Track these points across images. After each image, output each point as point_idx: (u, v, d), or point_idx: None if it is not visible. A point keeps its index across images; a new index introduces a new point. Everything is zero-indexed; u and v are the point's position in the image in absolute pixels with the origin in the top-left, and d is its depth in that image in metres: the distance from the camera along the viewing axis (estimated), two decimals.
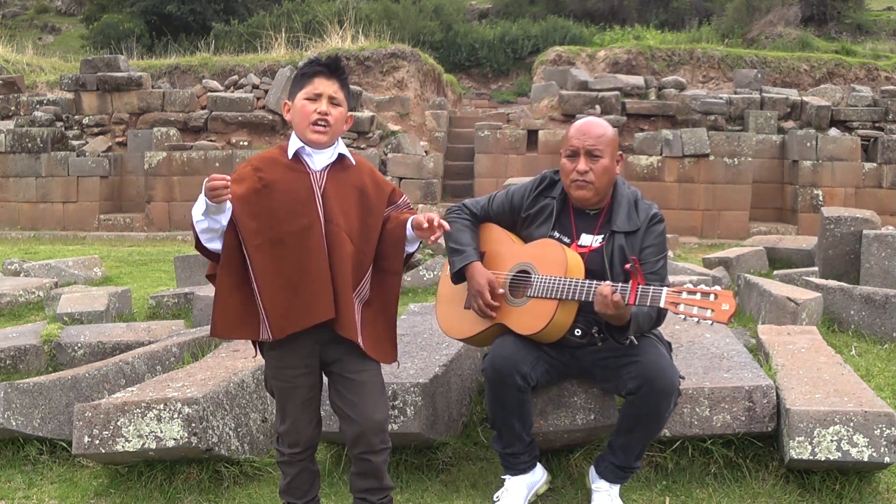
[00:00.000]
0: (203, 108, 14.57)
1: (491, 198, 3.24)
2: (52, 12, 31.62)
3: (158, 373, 3.94)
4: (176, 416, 3.04)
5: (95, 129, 14.58)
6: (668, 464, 3.25)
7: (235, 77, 15.30)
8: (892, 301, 5.15)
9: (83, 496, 3.24)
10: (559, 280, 2.87)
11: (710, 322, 2.60)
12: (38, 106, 15.08)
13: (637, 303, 2.73)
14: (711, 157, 13.20)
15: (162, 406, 3.06)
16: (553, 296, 2.87)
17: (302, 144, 2.59)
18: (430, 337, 3.70)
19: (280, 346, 2.58)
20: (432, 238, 2.57)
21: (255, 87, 14.82)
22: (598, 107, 14.05)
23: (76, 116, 14.74)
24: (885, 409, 2.97)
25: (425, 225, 2.55)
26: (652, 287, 2.72)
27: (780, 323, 4.87)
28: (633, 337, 2.95)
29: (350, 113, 2.69)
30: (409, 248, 2.67)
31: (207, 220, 2.50)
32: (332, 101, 2.57)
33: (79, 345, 4.71)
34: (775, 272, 6.86)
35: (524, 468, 3.07)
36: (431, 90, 16.65)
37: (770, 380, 3.26)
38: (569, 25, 21.49)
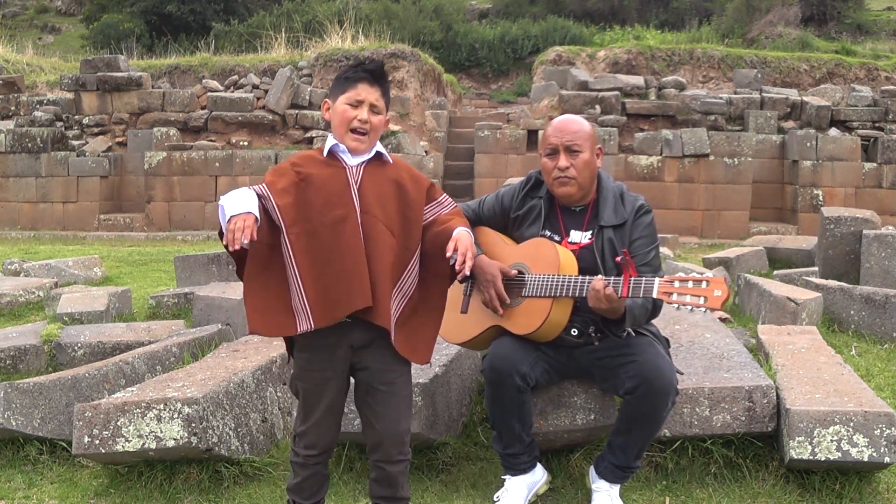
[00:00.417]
0: (203, 108, 14.57)
1: (481, 201, 3.26)
2: (52, 12, 31.62)
3: (158, 373, 3.94)
4: (176, 416, 3.04)
5: (95, 129, 14.58)
6: (668, 464, 3.25)
7: (235, 77, 15.30)
8: (892, 301, 5.15)
9: (83, 496, 3.24)
10: (552, 278, 2.88)
11: (703, 309, 2.59)
12: (38, 106, 15.08)
13: (630, 295, 2.73)
14: (711, 157, 13.20)
15: (162, 406, 3.06)
16: (547, 294, 2.88)
17: (337, 143, 2.62)
18: None
19: (311, 347, 2.57)
20: (458, 276, 2.57)
21: (255, 87, 14.83)
22: (598, 107, 14.05)
23: (76, 116, 14.74)
24: (885, 409, 2.97)
25: (455, 256, 2.54)
26: (644, 278, 2.72)
27: (780, 323, 4.87)
28: (630, 329, 2.96)
29: (386, 117, 2.70)
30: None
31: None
32: (373, 108, 2.60)
33: (79, 345, 4.71)
34: (775, 272, 6.86)
35: (524, 468, 3.07)
36: (431, 90, 16.64)
37: (770, 380, 3.26)
38: (569, 25, 21.49)
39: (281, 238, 2.51)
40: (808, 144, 13.29)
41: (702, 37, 18.57)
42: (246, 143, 14.10)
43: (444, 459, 3.35)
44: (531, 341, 2.98)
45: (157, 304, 6.04)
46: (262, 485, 3.24)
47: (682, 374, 3.18)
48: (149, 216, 13.62)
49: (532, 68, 18.33)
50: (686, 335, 3.81)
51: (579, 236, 3.04)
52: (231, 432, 3.23)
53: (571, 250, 2.99)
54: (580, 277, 2.85)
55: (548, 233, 3.06)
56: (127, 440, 3.05)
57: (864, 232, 6.29)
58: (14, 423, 3.49)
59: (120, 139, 14.52)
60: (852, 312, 5.33)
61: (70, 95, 14.93)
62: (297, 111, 14.23)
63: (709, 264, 7.57)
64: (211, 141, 14.15)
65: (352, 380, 2.66)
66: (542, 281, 2.89)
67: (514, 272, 2.98)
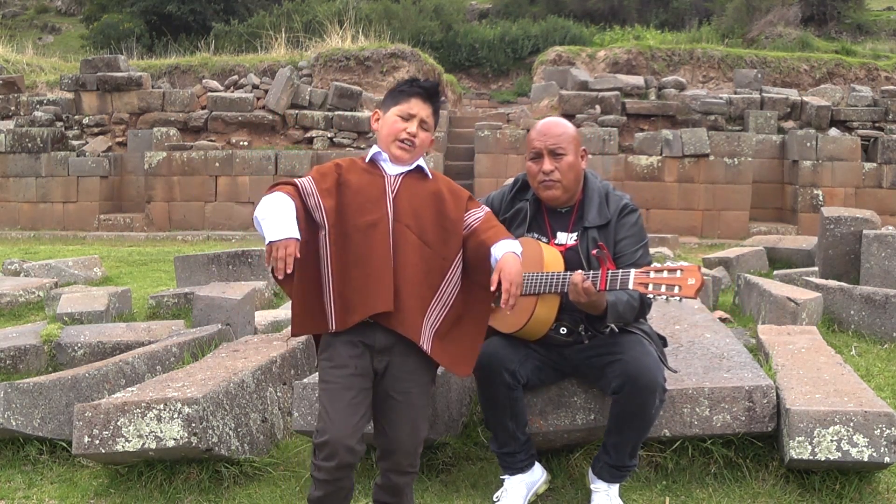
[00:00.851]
0: (203, 108, 14.57)
1: None
2: (52, 12, 31.61)
3: (158, 373, 3.94)
4: (176, 416, 3.04)
5: (95, 129, 14.59)
6: (668, 464, 3.25)
7: (235, 77, 15.30)
8: (892, 301, 5.14)
9: (83, 496, 3.24)
10: (536, 275, 2.89)
11: (678, 298, 2.59)
12: (38, 106, 15.08)
13: (608, 287, 2.74)
14: (711, 157, 13.20)
15: (162, 406, 3.06)
16: (531, 291, 2.90)
17: (379, 150, 2.67)
18: None
19: (332, 347, 2.57)
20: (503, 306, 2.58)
21: (255, 87, 14.82)
22: (598, 107, 14.05)
23: (76, 116, 14.74)
24: (885, 409, 2.97)
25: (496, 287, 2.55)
26: (621, 271, 2.73)
27: (780, 323, 4.87)
28: (613, 325, 2.96)
29: (433, 136, 2.76)
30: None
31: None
32: (423, 124, 2.66)
33: (79, 345, 4.71)
34: (775, 272, 6.86)
35: (521, 467, 3.07)
36: None
37: (770, 380, 3.26)
38: (569, 25, 21.47)
39: (321, 236, 2.55)
40: (808, 144, 13.29)
41: (702, 37, 18.56)
42: (246, 143, 14.10)
43: (444, 459, 3.35)
44: (521, 339, 2.98)
45: (157, 304, 6.05)
46: (262, 485, 3.24)
47: (675, 371, 3.18)
48: (149, 216, 13.62)
49: (532, 68, 18.33)
50: (686, 335, 3.81)
51: (565, 238, 3.06)
52: (231, 432, 3.23)
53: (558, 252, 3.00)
54: (562, 273, 2.86)
55: (534, 235, 3.09)
56: (127, 440, 3.05)
57: (864, 232, 6.29)
58: (14, 423, 3.49)
59: (120, 139, 14.52)
60: (852, 312, 5.33)
61: (70, 95, 14.93)
62: (297, 111, 14.23)
63: (709, 264, 7.58)
64: (211, 141, 14.15)
65: None
66: (527, 279, 2.91)
67: None
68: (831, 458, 2.93)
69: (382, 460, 2.64)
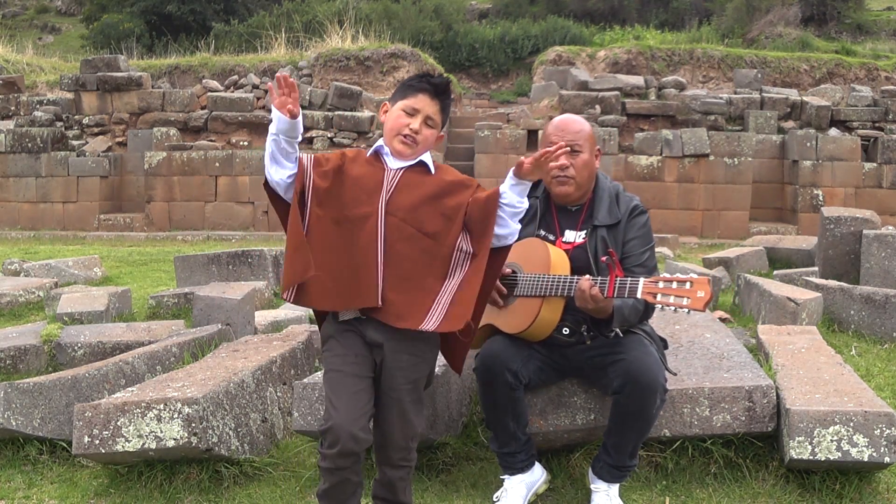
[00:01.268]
0: (203, 108, 14.57)
1: None
2: (52, 12, 31.61)
3: (158, 373, 3.94)
4: (176, 416, 3.04)
5: (95, 129, 14.59)
6: (668, 464, 3.25)
7: (235, 77, 15.30)
8: (892, 301, 5.14)
9: (83, 496, 3.24)
10: (543, 277, 2.89)
11: (686, 310, 2.60)
12: (38, 106, 15.09)
13: (616, 295, 2.75)
14: (711, 157, 13.20)
15: (162, 406, 3.06)
16: (537, 293, 2.90)
17: (383, 144, 2.66)
18: None
19: (333, 337, 2.60)
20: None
21: (255, 87, 14.83)
22: (598, 107, 14.05)
23: (76, 116, 14.74)
24: (885, 409, 2.97)
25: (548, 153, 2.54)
26: (629, 279, 2.74)
27: (780, 323, 4.86)
28: (618, 330, 2.96)
29: (440, 133, 2.72)
30: (500, 229, 2.58)
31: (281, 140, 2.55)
32: (428, 121, 2.63)
33: (79, 345, 4.71)
34: (775, 272, 6.86)
35: (521, 467, 3.07)
36: None
37: (770, 380, 3.26)
38: (569, 25, 21.46)
39: (308, 214, 2.56)
40: (808, 144, 13.29)
41: (702, 37, 18.56)
42: (246, 143, 14.10)
43: (444, 459, 3.35)
44: (524, 340, 2.98)
45: (157, 304, 6.04)
46: (262, 485, 3.24)
47: (674, 374, 3.18)
48: (149, 216, 13.62)
49: (532, 68, 18.32)
50: (686, 335, 3.81)
51: (573, 236, 3.06)
52: (231, 432, 3.23)
53: (565, 250, 3.01)
54: (569, 277, 2.87)
55: (542, 232, 3.08)
56: (127, 440, 3.05)
57: (864, 232, 6.28)
58: (14, 423, 3.49)
59: (120, 139, 14.52)
60: (852, 312, 5.33)
61: (70, 95, 14.93)
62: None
63: (709, 264, 7.57)
64: (211, 141, 14.15)
65: None
66: (533, 280, 2.91)
67: (508, 270, 2.99)
68: (831, 458, 2.93)
69: (377, 454, 2.66)
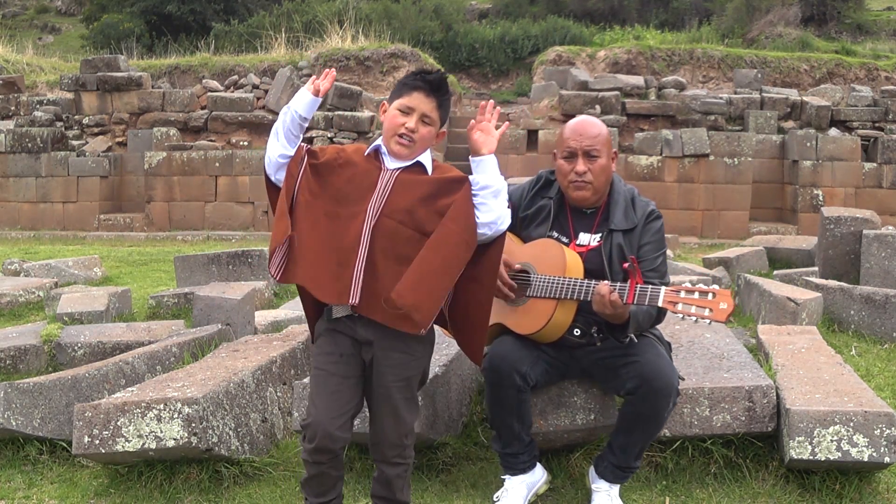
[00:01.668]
0: (203, 108, 14.57)
1: None
2: (52, 12, 31.61)
3: (158, 373, 3.94)
4: (176, 416, 3.04)
5: (95, 129, 14.59)
6: (668, 464, 3.25)
7: (235, 77, 15.29)
8: (892, 301, 5.14)
9: (83, 496, 3.24)
10: (558, 279, 2.87)
11: (708, 321, 2.60)
12: (38, 106, 15.08)
13: (636, 302, 2.73)
14: (711, 157, 13.20)
15: (162, 406, 3.06)
16: (552, 295, 2.88)
17: (380, 144, 2.66)
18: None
19: (323, 334, 2.62)
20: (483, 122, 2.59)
21: (255, 87, 14.82)
22: (598, 107, 14.05)
23: (76, 116, 14.74)
24: (885, 409, 2.97)
25: (482, 118, 2.58)
26: (650, 286, 2.72)
27: (780, 323, 4.86)
28: (633, 335, 2.95)
29: (443, 129, 2.70)
30: (486, 215, 2.55)
31: (283, 145, 2.59)
32: (424, 119, 2.60)
33: (79, 345, 4.71)
34: (775, 272, 6.86)
35: (523, 468, 3.07)
36: None
37: (770, 380, 3.26)
38: (569, 25, 21.46)
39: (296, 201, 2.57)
40: (808, 144, 13.29)
41: (702, 37, 18.55)
42: (246, 143, 14.10)
43: (444, 459, 3.35)
44: (532, 341, 2.97)
45: (157, 304, 6.04)
46: (262, 485, 3.24)
47: (682, 378, 3.18)
48: (149, 216, 13.62)
49: (532, 68, 18.32)
50: (686, 335, 3.81)
51: (588, 239, 3.03)
52: (231, 432, 3.23)
53: (579, 252, 2.98)
54: (586, 281, 2.85)
55: (556, 234, 3.05)
56: (127, 440, 3.05)
57: (864, 232, 6.29)
58: (14, 423, 3.49)
59: (120, 139, 14.52)
60: (852, 312, 5.33)
61: (70, 95, 14.93)
62: None
63: (709, 264, 7.57)
64: (211, 141, 14.15)
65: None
66: (548, 282, 2.89)
67: (517, 266, 2.98)
68: (831, 458, 2.93)
69: (373, 452, 2.68)
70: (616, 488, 3.02)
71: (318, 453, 2.54)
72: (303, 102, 2.60)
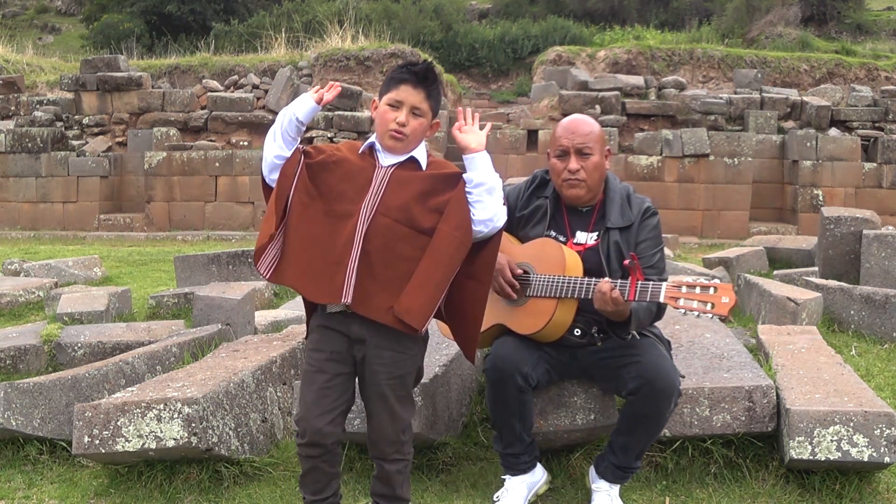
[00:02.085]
0: (203, 108, 14.57)
1: None
2: (52, 12, 31.62)
3: (158, 373, 3.94)
4: (176, 416, 3.04)
5: (95, 129, 14.59)
6: (668, 464, 3.25)
7: (235, 77, 15.30)
8: (892, 301, 5.14)
9: (83, 496, 3.24)
10: (558, 279, 2.87)
11: (710, 315, 2.59)
12: (38, 106, 15.09)
13: (637, 299, 2.73)
14: (711, 157, 13.20)
15: (162, 406, 3.06)
16: (552, 294, 2.88)
17: (375, 140, 2.65)
18: (430, 337, 3.70)
19: (315, 331, 2.63)
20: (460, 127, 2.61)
21: (255, 87, 14.82)
22: (598, 107, 14.05)
23: (76, 116, 14.74)
24: (885, 409, 2.97)
25: (463, 123, 2.60)
26: (651, 283, 2.72)
27: (780, 323, 4.87)
28: (635, 332, 2.95)
29: (437, 120, 2.70)
30: (482, 213, 2.53)
31: (280, 145, 2.59)
32: (415, 111, 2.59)
33: (79, 345, 4.71)
34: (775, 272, 6.86)
35: (524, 468, 3.07)
36: None
37: (770, 380, 3.26)
38: (569, 25, 21.47)
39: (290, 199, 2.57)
40: (808, 144, 13.29)
41: (702, 37, 18.56)
42: (246, 143, 14.10)
43: (444, 459, 3.35)
44: (533, 341, 2.97)
45: (157, 304, 6.04)
46: (262, 485, 3.24)
47: (682, 377, 3.18)
48: (149, 216, 13.62)
49: (532, 68, 18.33)
50: (686, 335, 3.81)
51: (585, 237, 3.03)
52: (231, 432, 3.23)
53: (577, 251, 2.98)
54: (586, 279, 2.85)
55: (553, 233, 3.05)
56: (127, 440, 3.05)
57: (864, 232, 6.29)
58: (14, 423, 3.49)
59: (120, 139, 14.52)
60: (852, 312, 5.33)
61: (70, 95, 14.93)
62: None
63: (709, 264, 7.57)
64: (211, 141, 14.15)
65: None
66: (548, 281, 2.89)
67: (520, 271, 2.98)
68: (831, 458, 2.93)
69: (371, 449, 2.69)
70: (616, 488, 3.02)
71: (310, 448, 2.58)
72: (303, 108, 2.59)
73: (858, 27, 22.29)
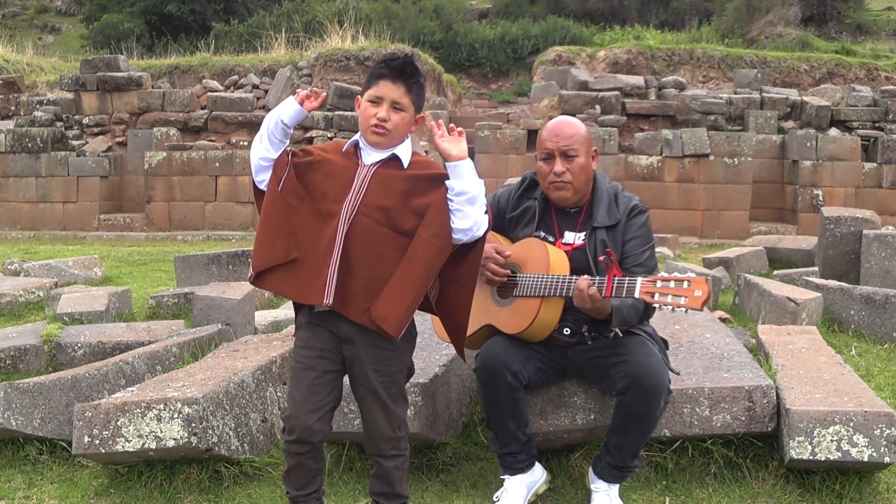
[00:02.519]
0: (203, 108, 14.58)
1: None
2: (52, 12, 31.62)
3: (158, 373, 3.94)
4: (176, 416, 3.04)
5: (95, 129, 14.59)
6: (668, 464, 3.25)
7: (235, 77, 15.30)
8: (892, 301, 5.14)
9: (83, 496, 3.24)
10: (542, 277, 2.90)
11: (684, 309, 2.60)
12: (38, 106, 15.09)
13: (614, 294, 2.74)
14: (711, 157, 13.20)
15: (162, 406, 3.06)
16: (536, 293, 2.90)
17: (358, 138, 2.64)
18: (430, 337, 3.70)
19: (306, 328, 2.63)
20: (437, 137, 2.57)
21: (255, 87, 14.83)
22: (598, 107, 14.05)
23: (76, 116, 14.74)
24: (885, 409, 2.97)
25: (439, 132, 2.57)
26: (627, 278, 2.73)
27: (780, 323, 4.87)
28: (617, 329, 2.96)
29: (422, 114, 2.69)
30: (461, 221, 2.52)
31: (267, 148, 2.60)
32: (395, 106, 2.58)
33: (79, 345, 4.71)
34: (775, 272, 6.86)
35: (522, 467, 3.07)
36: (431, 90, 16.64)
37: (770, 380, 3.26)
38: (569, 25, 21.48)
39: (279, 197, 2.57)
40: (808, 144, 13.29)
41: (702, 37, 18.57)
42: (246, 143, 14.09)
43: (444, 459, 3.35)
44: (523, 340, 2.98)
45: (157, 304, 6.04)
46: (262, 485, 3.24)
47: (677, 373, 3.18)
48: (149, 216, 13.62)
49: (532, 68, 18.33)
50: (686, 335, 3.81)
51: (573, 237, 3.05)
52: (231, 432, 3.23)
53: (565, 251, 3.00)
54: (568, 277, 2.87)
55: (542, 234, 3.08)
56: (127, 440, 3.05)
57: (864, 232, 6.29)
58: (14, 423, 3.49)
59: (120, 139, 14.52)
60: (852, 312, 5.33)
61: (70, 95, 14.93)
62: None
63: (709, 264, 7.58)
64: (211, 141, 14.15)
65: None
66: (532, 280, 2.91)
67: (508, 252, 3.00)
68: (831, 458, 2.93)
69: (368, 447, 2.69)
70: (615, 488, 3.02)
71: (298, 444, 2.58)
72: (288, 112, 2.60)
73: (858, 27, 22.30)
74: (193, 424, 3.04)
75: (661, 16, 23.33)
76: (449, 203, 2.53)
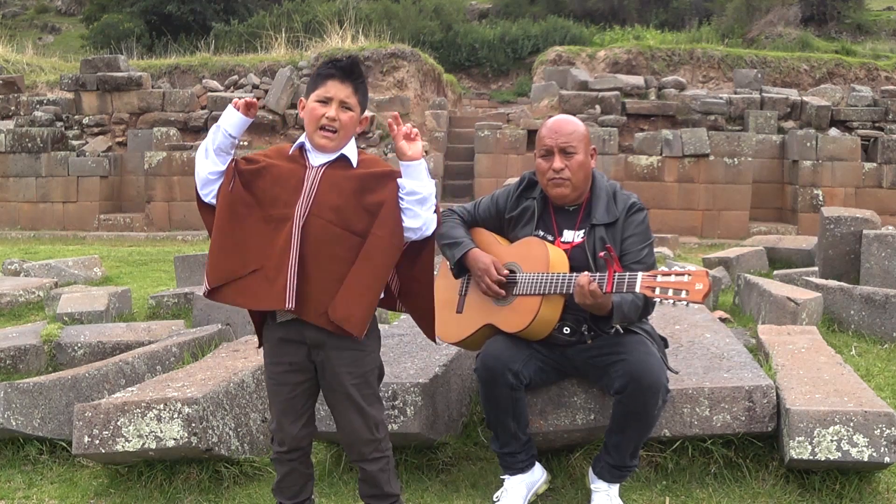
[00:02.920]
0: (203, 108, 14.58)
1: (477, 203, 3.30)
2: (52, 12, 31.62)
3: (158, 373, 3.94)
4: (176, 416, 3.04)
5: (95, 129, 14.59)
6: (668, 464, 3.25)
7: (235, 77, 15.30)
8: (892, 301, 5.14)
9: (83, 496, 3.24)
10: (542, 275, 2.90)
11: (685, 303, 2.60)
12: (38, 106, 15.09)
13: (614, 290, 2.75)
14: (711, 157, 13.20)
15: (162, 406, 3.06)
16: (536, 291, 2.91)
17: (305, 140, 2.61)
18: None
19: (272, 341, 2.61)
20: (401, 133, 2.55)
21: (255, 87, 14.83)
22: (598, 107, 14.05)
23: (76, 116, 14.75)
24: (885, 409, 2.97)
25: (397, 128, 2.56)
26: (628, 273, 2.74)
27: (780, 323, 4.87)
28: (618, 326, 2.96)
29: (366, 115, 2.67)
30: (411, 221, 2.52)
31: (214, 159, 2.59)
32: (343, 105, 2.56)
33: (79, 345, 4.71)
34: (775, 272, 6.86)
35: (522, 467, 3.07)
36: (431, 90, 16.65)
37: (770, 380, 3.26)
38: (569, 25, 21.48)
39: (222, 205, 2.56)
40: (808, 144, 13.29)
41: (702, 37, 18.56)
42: (246, 144, 14.08)
43: (444, 459, 3.35)
44: (524, 340, 2.99)
45: (157, 304, 6.05)
46: (262, 485, 3.24)
47: (676, 372, 3.18)
48: (149, 216, 13.62)
49: (532, 68, 18.33)
50: (686, 335, 3.81)
51: (571, 235, 3.06)
52: (231, 432, 3.23)
53: (564, 250, 3.01)
54: (568, 274, 2.87)
55: (541, 233, 3.09)
56: (127, 440, 3.05)
57: (864, 232, 6.29)
58: (14, 423, 3.49)
59: (120, 139, 14.52)
60: (852, 312, 5.33)
61: (70, 95, 14.93)
62: (297, 111, 14.24)
63: (709, 264, 7.58)
64: None
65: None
66: (532, 279, 2.92)
67: (507, 271, 3.00)
68: (831, 458, 2.93)
69: (349, 453, 2.68)
70: (615, 488, 3.02)
71: (289, 453, 2.64)
72: (233, 122, 2.56)
73: (858, 27, 22.30)
74: (193, 424, 3.04)
75: (661, 16, 23.33)
76: (399, 202, 2.53)
